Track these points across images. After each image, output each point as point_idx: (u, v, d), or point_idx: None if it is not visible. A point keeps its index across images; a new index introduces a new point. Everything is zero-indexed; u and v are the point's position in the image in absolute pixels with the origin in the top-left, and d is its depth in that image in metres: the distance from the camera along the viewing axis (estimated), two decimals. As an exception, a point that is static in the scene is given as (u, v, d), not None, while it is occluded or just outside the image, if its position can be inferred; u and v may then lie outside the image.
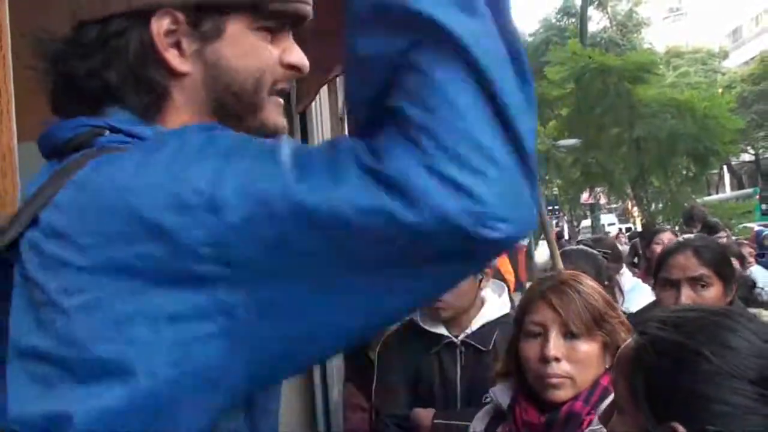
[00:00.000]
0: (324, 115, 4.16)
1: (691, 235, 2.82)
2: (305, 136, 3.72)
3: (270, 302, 0.74)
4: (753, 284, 5.22)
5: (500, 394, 1.78)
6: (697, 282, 2.22)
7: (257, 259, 0.73)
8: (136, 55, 0.92)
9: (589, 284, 1.72)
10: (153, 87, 0.93)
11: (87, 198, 0.78)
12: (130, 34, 0.91)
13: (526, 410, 1.68)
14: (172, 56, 0.92)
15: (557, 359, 1.62)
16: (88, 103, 0.93)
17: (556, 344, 1.63)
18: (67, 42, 0.94)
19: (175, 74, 0.93)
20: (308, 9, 1.01)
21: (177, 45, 0.93)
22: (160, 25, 0.91)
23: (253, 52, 0.96)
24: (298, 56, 1.00)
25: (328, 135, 4.30)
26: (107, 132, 0.89)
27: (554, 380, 1.63)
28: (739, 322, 1.11)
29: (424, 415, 2.47)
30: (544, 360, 1.63)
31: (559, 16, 32.56)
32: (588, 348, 1.65)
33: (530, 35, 32.04)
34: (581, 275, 1.82)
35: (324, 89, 4.33)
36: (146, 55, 0.92)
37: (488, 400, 1.87)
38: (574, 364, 1.63)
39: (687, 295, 2.20)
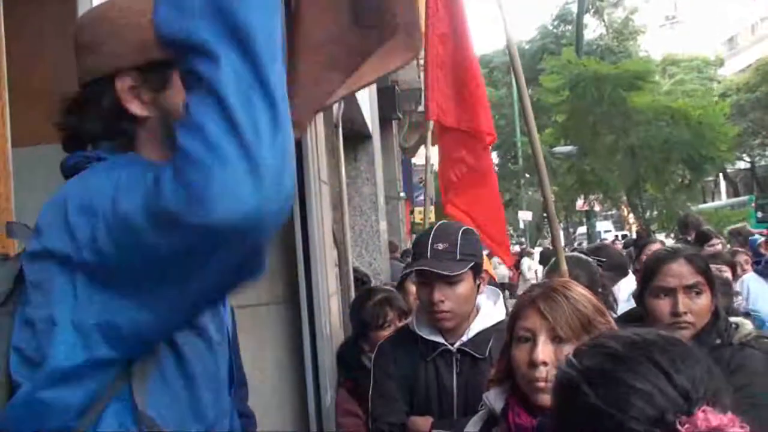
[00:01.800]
0: (318, 123, 4.16)
1: (678, 245, 2.85)
2: (299, 142, 3.72)
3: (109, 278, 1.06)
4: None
5: (494, 398, 1.79)
6: (692, 289, 2.25)
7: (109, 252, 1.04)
8: (109, 109, 1.24)
9: (579, 291, 1.74)
10: (124, 132, 1.26)
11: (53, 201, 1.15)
12: (104, 93, 1.24)
13: (519, 414, 1.70)
14: (134, 106, 1.24)
15: (545, 363, 1.65)
16: (88, 142, 1.29)
17: (544, 349, 1.66)
18: (71, 101, 1.29)
19: (139, 119, 1.25)
20: None
21: (138, 96, 1.24)
22: (123, 83, 1.24)
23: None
24: None
25: (322, 143, 4.29)
26: (95, 160, 1.23)
27: (542, 384, 1.65)
28: (648, 358, 1.03)
29: (422, 422, 2.45)
30: (533, 364, 1.65)
31: (555, 23, 32.69)
32: None
33: (527, 42, 32.14)
34: (572, 282, 1.84)
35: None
36: (115, 108, 1.24)
37: (483, 406, 1.88)
38: None
39: (684, 303, 2.23)
